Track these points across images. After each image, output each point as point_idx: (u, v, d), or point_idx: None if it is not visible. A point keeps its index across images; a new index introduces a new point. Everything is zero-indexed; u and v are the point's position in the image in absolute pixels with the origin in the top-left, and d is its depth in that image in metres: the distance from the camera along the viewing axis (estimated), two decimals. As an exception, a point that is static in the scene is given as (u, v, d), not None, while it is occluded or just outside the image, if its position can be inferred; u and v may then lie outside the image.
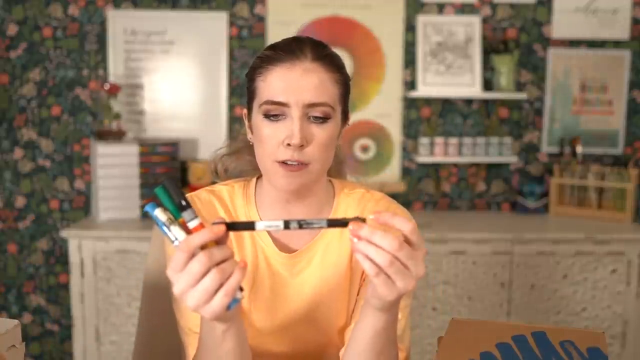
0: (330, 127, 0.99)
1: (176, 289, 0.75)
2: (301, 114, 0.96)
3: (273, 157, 0.98)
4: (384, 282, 0.76)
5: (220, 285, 0.74)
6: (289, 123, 0.97)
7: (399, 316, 1.03)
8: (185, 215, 0.77)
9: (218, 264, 0.74)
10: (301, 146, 0.96)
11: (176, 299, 1.05)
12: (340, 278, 1.07)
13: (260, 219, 1.06)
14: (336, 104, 1.00)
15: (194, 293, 0.74)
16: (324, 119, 0.98)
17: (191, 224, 0.77)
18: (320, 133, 0.98)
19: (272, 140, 0.98)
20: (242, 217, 1.08)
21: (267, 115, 0.98)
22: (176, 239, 0.76)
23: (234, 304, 0.76)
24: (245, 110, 1.07)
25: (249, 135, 1.06)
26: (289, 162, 0.96)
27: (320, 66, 0.99)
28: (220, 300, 0.74)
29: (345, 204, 1.10)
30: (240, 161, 1.17)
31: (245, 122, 1.08)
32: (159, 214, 0.76)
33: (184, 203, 0.76)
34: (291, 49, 0.99)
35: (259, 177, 1.11)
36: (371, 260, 0.75)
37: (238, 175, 1.17)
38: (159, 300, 1.31)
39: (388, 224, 0.77)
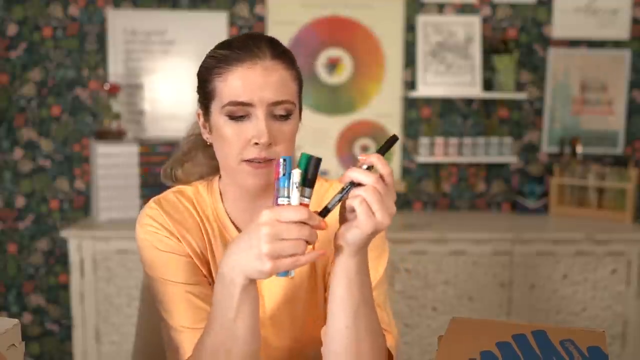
0: (293, 123, 1.01)
1: (271, 233, 0.80)
2: (266, 113, 0.97)
3: (240, 157, 0.98)
4: (365, 212, 0.82)
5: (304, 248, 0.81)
6: (254, 122, 0.97)
7: (380, 302, 1.02)
8: (307, 191, 0.84)
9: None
10: (269, 144, 0.97)
11: (162, 302, 1.03)
12: (304, 276, 1.07)
13: (228, 215, 1.08)
14: (296, 100, 1.02)
15: (291, 244, 0.80)
16: (286, 116, 0.99)
17: (305, 201, 0.84)
18: (284, 130, 0.99)
19: (237, 140, 0.98)
20: (210, 215, 1.08)
21: (231, 117, 0.98)
22: (288, 198, 0.83)
23: (289, 273, 0.84)
24: (199, 111, 1.06)
25: (206, 135, 1.06)
26: (256, 161, 0.97)
27: (279, 64, 0.99)
28: (305, 258, 0.81)
29: (322, 194, 1.11)
30: (196, 163, 1.17)
31: (199, 121, 1.08)
32: (295, 174, 0.83)
33: (310, 182, 0.85)
34: (249, 47, 0.99)
35: (220, 176, 1.11)
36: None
37: (196, 177, 1.17)
38: None
39: (372, 163, 0.84)
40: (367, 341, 0.91)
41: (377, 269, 1.05)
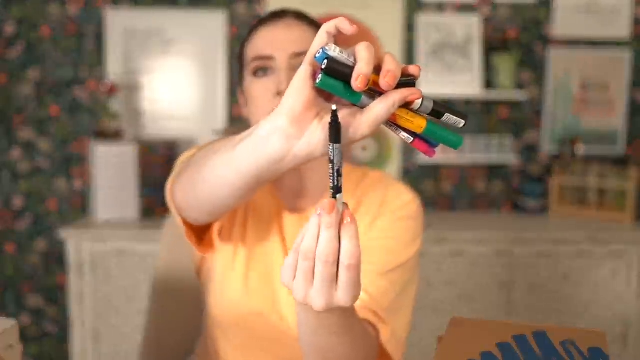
0: None
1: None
2: (287, 65, 0.96)
3: (267, 111, 0.97)
4: (304, 276, 0.61)
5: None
6: (277, 75, 0.97)
7: (389, 289, 0.97)
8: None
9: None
10: None
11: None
12: None
13: None
14: None
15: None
16: None
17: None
18: None
19: (263, 95, 0.97)
20: None
21: (256, 73, 0.98)
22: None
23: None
24: (240, 89, 1.08)
25: (245, 110, 1.07)
26: None
27: (303, 23, 1.00)
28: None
29: (344, 181, 1.09)
30: None
31: (241, 100, 1.09)
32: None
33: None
34: (274, 13, 1.02)
35: None
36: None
37: None
38: (168, 299, 1.31)
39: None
40: (335, 350, 0.82)
41: (406, 252, 1.01)
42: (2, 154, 2.74)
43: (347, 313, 0.76)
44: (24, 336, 2.78)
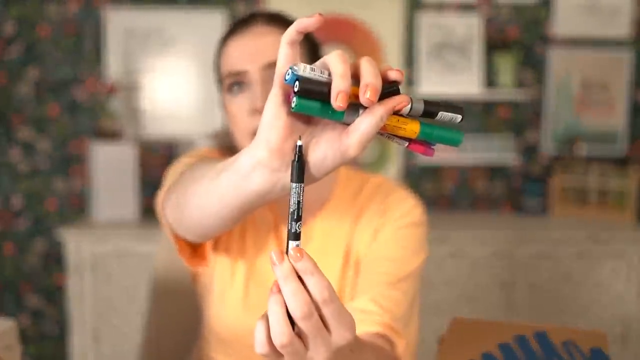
0: None
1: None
2: (262, 78, 0.91)
3: (246, 130, 0.93)
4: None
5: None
6: (252, 91, 0.92)
7: (401, 299, 0.93)
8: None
9: None
10: None
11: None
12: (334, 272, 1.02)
13: None
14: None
15: None
16: None
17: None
18: None
19: (240, 113, 0.93)
20: None
21: (231, 90, 0.93)
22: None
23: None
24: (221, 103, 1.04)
25: (229, 125, 1.03)
26: None
27: (275, 27, 0.93)
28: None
29: (344, 188, 1.05)
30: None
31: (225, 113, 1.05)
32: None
33: None
34: (244, 19, 0.96)
35: None
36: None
37: None
38: (167, 300, 1.30)
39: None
40: None
41: (414, 260, 0.98)
42: (1, 154, 2.74)
43: (356, 346, 0.68)
44: (23, 337, 2.78)
